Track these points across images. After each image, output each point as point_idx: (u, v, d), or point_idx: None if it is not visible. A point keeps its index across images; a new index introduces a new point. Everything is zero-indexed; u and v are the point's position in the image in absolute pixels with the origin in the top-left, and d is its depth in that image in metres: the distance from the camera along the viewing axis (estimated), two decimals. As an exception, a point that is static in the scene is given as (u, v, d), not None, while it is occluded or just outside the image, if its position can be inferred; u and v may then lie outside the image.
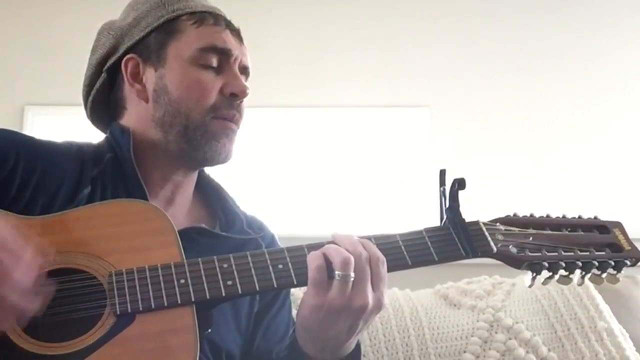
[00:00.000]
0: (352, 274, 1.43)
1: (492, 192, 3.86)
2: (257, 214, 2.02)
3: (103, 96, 1.90)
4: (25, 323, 1.30)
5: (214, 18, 1.83)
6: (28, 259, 1.28)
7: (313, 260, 1.46)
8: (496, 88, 4.62)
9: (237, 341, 1.78)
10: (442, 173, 1.61)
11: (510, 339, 2.20)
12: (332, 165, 4.55)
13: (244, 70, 1.87)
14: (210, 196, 1.94)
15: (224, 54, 1.80)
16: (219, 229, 1.84)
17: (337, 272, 1.43)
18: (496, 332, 2.22)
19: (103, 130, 1.93)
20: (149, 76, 1.80)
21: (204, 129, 1.75)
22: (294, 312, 1.92)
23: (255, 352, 1.83)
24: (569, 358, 2.17)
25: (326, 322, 1.47)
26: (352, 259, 1.44)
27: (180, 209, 1.85)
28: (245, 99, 1.81)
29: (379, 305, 1.48)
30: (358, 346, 1.63)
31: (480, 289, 2.37)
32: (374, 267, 1.47)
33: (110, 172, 1.73)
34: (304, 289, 1.50)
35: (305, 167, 4.56)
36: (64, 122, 4.32)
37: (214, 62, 1.78)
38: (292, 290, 2.07)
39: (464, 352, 2.19)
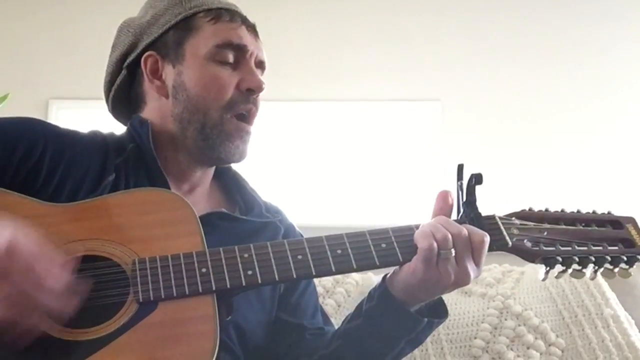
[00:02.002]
0: (453, 250, 1.48)
1: (503, 186, 3.82)
2: (280, 204, 2.02)
3: (124, 92, 1.90)
4: (65, 321, 1.31)
5: (230, 15, 1.83)
6: (59, 264, 1.30)
7: (424, 240, 1.49)
8: (507, 82, 4.61)
9: (261, 321, 1.79)
10: (460, 168, 1.59)
11: (519, 325, 2.20)
12: (346, 157, 4.55)
13: (260, 65, 1.87)
14: (228, 184, 1.95)
15: (240, 50, 1.80)
16: (238, 213, 1.84)
17: (441, 251, 1.47)
18: (506, 319, 2.22)
19: (125, 124, 1.93)
20: (168, 72, 1.81)
21: (220, 127, 1.75)
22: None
23: (285, 329, 1.84)
24: (576, 344, 2.16)
25: (432, 290, 1.55)
26: (451, 236, 1.48)
27: (200, 196, 1.85)
28: (261, 93, 1.82)
29: (477, 274, 1.54)
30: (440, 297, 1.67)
31: (491, 277, 2.37)
32: (477, 245, 1.50)
33: (132, 161, 1.73)
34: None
35: (320, 159, 4.56)
36: (87, 116, 4.30)
37: (230, 58, 1.78)
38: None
39: (475, 338, 2.19)
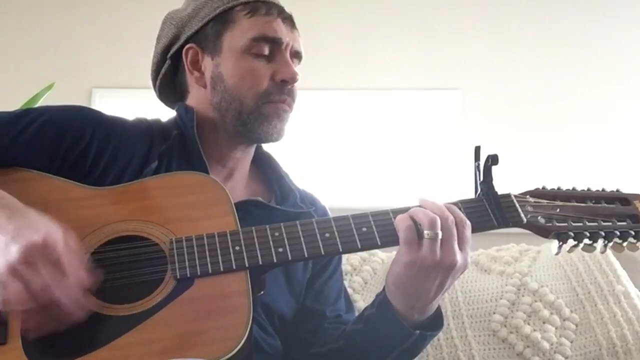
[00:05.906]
0: (440, 232, 1.44)
1: (521, 169, 3.81)
2: (309, 189, 2.02)
3: (169, 80, 1.92)
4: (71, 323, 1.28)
5: (266, 7, 1.82)
6: (86, 269, 1.30)
7: (402, 221, 1.47)
8: (525, 71, 4.60)
9: (290, 304, 1.79)
10: (477, 149, 1.59)
11: (535, 301, 2.19)
12: (371, 143, 4.57)
13: (296, 55, 1.85)
14: (267, 172, 1.94)
15: (275, 43, 1.78)
16: (274, 202, 1.84)
17: (425, 232, 1.44)
18: (523, 295, 2.21)
19: (173, 108, 1.93)
20: (207, 64, 1.81)
21: (257, 113, 1.74)
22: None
23: (307, 314, 1.84)
24: (589, 319, 2.15)
25: (419, 278, 1.48)
26: (438, 219, 1.45)
27: (238, 183, 1.85)
28: (295, 84, 1.80)
29: (465, 264, 1.50)
30: (439, 309, 1.63)
31: (509, 256, 2.36)
32: (460, 229, 1.48)
33: (176, 148, 1.74)
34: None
35: (346, 145, 4.58)
36: (129, 104, 4.34)
37: (266, 50, 1.77)
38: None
39: (494, 313, 2.18)
